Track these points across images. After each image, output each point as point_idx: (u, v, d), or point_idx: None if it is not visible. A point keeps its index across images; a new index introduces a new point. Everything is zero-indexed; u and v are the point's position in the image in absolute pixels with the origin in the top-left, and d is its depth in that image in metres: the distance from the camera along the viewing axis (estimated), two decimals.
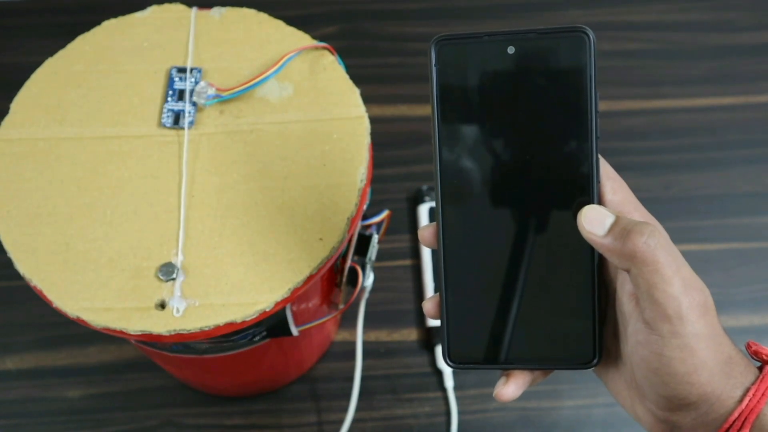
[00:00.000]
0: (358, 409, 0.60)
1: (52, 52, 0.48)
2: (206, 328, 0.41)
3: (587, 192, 0.33)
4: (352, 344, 0.61)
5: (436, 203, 0.35)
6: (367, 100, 0.48)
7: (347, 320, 0.65)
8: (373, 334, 0.65)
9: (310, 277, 0.43)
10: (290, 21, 0.50)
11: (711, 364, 0.31)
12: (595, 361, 0.34)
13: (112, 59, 0.48)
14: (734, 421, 0.31)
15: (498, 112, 0.33)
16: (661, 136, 0.76)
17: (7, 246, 0.43)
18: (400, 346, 0.65)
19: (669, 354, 0.30)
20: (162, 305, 0.41)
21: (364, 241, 0.49)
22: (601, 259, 0.34)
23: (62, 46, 0.49)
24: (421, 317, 0.66)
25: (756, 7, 0.83)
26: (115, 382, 0.63)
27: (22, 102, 0.47)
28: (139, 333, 0.41)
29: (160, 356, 0.52)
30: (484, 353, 0.35)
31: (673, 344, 0.30)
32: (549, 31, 0.32)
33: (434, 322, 0.64)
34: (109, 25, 0.50)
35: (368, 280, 0.52)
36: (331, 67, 0.48)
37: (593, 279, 0.34)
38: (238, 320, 0.41)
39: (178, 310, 0.41)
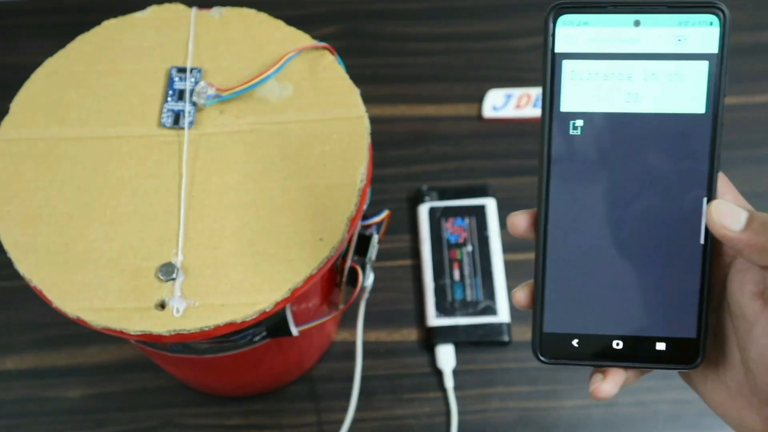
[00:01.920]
0: (358, 409, 0.60)
1: (52, 52, 0.48)
2: (206, 328, 0.41)
3: (704, 186, 0.32)
4: (352, 344, 0.61)
5: (541, 176, 0.33)
6: (367, 100, 0.48)
7: (347, 320, 0.65)
8: (373, 334, 0.65)
9: (310, 277, 0.43)
10: (290, 21, 0.50)
11: None
12: (699, 360, 0.33)
13: (112, 59, 0.48)
14: None
15: (618, 86, 0.32)
16: None
17: (7, 246, 0.43)
18: (400, 346, 0.65)
19: None
20: (162, 305, 0.41)
21: (364, 241, 0.50)
22: (712, 259, 0.33)
23: (62, 46, 0.49)
24: (421, 317, 0.66)
25: (756, 7, 0.83)
26: (115, 382, 0.63)
27: (22, 102, 0.47)
28: (139, 333, 0.41)
29: (160, 356, 0.52)
30: (582, 348, 0.34)
31: None
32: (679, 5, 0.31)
33: (434, 322, 0.64)
34: (109, 25, 0.50)
35: (368, 280, 0.52)
36: (331, 67, 0.48)
37: (703, 277, 0.33)
38: (238, 320, 0.41)
39: (178, 310, 0.41)
